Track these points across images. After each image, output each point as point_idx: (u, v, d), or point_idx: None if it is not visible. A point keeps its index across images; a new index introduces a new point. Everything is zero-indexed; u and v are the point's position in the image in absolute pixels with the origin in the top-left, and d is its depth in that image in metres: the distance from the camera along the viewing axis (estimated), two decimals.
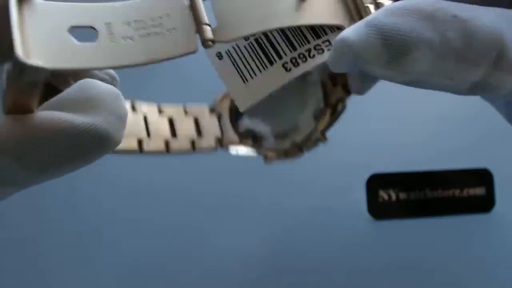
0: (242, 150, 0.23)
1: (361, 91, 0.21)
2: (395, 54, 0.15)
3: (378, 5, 0.17)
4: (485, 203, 0.34)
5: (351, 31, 0.16)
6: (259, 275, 0.30)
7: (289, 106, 0.23)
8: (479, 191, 0.34)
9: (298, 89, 0.23)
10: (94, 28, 0.14)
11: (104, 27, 0.14)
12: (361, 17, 0.17)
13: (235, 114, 0.23)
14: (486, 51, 0.15)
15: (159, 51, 0.14)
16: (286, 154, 0.23)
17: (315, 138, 0.23)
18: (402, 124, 0.38)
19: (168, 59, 0.14)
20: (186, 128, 0.21)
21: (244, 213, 0.33)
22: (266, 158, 0.23)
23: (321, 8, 0.17)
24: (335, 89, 0.23)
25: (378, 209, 0.34)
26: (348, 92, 0.22)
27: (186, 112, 0.22)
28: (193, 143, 0.21)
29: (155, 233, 0.32)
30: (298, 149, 0.23)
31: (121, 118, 0.14)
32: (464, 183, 0.34)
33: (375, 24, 0.15)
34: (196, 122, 0.22)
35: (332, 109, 0.23)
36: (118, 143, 0.14)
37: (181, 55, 0.14)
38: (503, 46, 0.15)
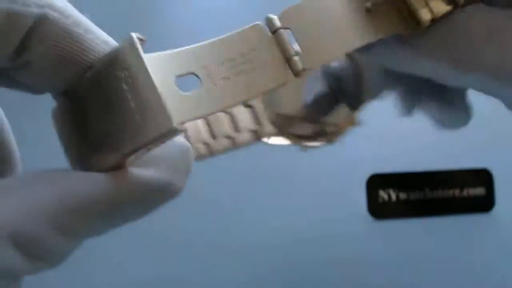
0: (278, 141, 0.23)
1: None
2: None
3: (430, 9, 0.17)
4: (485, 203, 0.34)
5: None
6: (258, 273, 0.30)
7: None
8: (479, 191, 0.34)
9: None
10: (195, 75, 0.14)
11: (204, 72, 0.14)
12: (417, 22, 0.17)
13: (269, 104, 0.23)
14: None
15: (255, 86, 0.14)
16: (327, 139, 0.23)
17: (350, 121, 0.23)
18: (402, 124, 0.38)
19: (265, 92, 0.15)
20: (221, 125, 0.21)
21: (244, 213, 0.33)
22: (302, 146, 0.23)
23: (384, 17, 0.17)
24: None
25: (378, 209, 0.34)
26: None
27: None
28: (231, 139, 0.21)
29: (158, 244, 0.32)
30: (337, 133, 0.23)
31: (187, 171, 0.15)
32: (464, 183, 0.34)
33: None
34: (232, 118, 0.22)
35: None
36: (179, 193, 0.15)
37: (276, 87, 0.15)
38: None
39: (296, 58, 0.15)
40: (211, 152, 0.20)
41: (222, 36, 0.15)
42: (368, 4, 0.17)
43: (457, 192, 0.34)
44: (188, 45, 0.14)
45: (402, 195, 0.34)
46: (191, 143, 0.18)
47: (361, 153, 0.35)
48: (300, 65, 0.15)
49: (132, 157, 0.14)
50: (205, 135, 0.21)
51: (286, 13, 0.16)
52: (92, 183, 0.13)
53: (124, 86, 0.13)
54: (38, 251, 0.12)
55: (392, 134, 0.37)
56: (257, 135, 0.22)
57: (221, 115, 0.21)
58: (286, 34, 0.16)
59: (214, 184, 0.35)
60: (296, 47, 0.16)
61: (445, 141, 0.36)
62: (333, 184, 0.34)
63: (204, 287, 0.30)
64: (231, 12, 0.49)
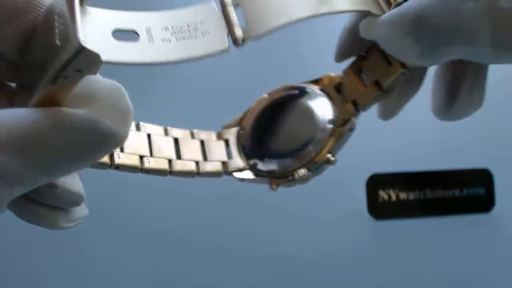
0: (247, 175, 0.23)
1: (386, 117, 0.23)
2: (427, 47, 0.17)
3: None
4: (485, 203, 0.34)
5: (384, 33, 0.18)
6: (258, 273, 0.30)
7: (297, 127, 0.23)
8: (479, 191, 0.34)
9: (306, 110, 0.23)
10: (136, 32, 0.15)
11: (145, 31, 0.15)
12: (388, 2, 0.18)
13: (242, 141, 0.23)
14: None
15: (194, 51, 0.16)
16: (294, 179, 0.23)
17: (323, 159, 0.23)
18: (402, 124, 0.38)
19: (202, 57, 0.16)
20: (191, 149, 0.21)
21: (244, 212, 0.33)
22: (272, 185, 0.23)
23: None
24: (344, 107, 0.22)
25: (378, 209, 0.34)
26: (357, 109, 0.22)
27: (192, 136, 0.22)
28: (197, 164, 0.21)
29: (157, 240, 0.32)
30: (307, 170, 0.23)
31: (125, 112, 0.14)
32: (464, 183, 0.34)
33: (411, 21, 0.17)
34: (202, 145, 0.21)
35: (340, 129, 0.23)
36: (121, 139, 0.14)
37: (214, 54, 0.16)
38: None
39: (236, 28, 0.17)
40: (171, 171, 0.20)
41: (175, 9, 0.16)
42: None
43: (457, 192, 0.34)
44: None
45: (402, 195, 0.34)
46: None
47: (361, 153, 0.35)
48: (239, 34, 0.17)
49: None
50: (167, 152, 0.20)
51: None
52: (14, 117, 0.13)
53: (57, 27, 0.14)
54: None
55: (392, 134, 0.37)
56: (225, 167, 0.22)
57: (194, 141, 0.21)
58: (233, 10, 0.17)
59: (214, 183, 0.34)
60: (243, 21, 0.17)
61: (445, 141, 0.36)
62: (333, 184, 0.34)
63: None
64: None
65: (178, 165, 0.20)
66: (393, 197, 0.34)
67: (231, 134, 0.23)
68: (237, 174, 0.22)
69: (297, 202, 0.34)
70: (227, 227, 0.33)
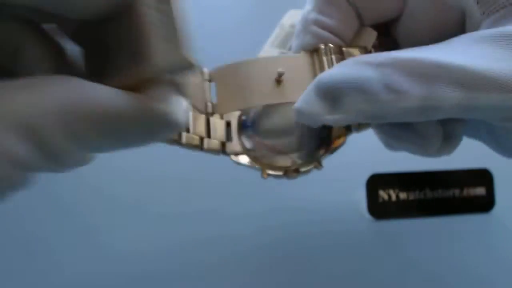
0: (243, 160, 0.24)
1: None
2: (330, 103, 0.19)
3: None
4: (485, 203, 0.34)
5: (300, 100, 0.20)
6: (258, 274, 0.30)
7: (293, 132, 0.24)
8: (479, 191, 0.34)
9: None
10: None
11: None
12: None
13: (243, 125, 0.24)
14: None
15: None
16: (285, 173, 0.25)
17: (313, 163, 0.25)
18: None
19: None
20: (198, 125, 0.22)
21: (244, 212, 0.33)
22: (264, 174, 0.24)
23: (296, 86, 0.21)
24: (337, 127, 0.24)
25: (378, 209, 0.34)
26: (349, 129, 0.24)
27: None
28: (202, 140, 0.22)
29: (153, 222, 0.32)
30: (296, 170, 0.24)
31: (186, 111, 0.16)
32: (464, 183, 0.34)
33: (314, 85, 0.19)
34: (208, 123, 0.22)
35: (334, 140, 0.25)
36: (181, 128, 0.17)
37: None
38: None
39: (208, 104, 0.22)
40: (181, 142, 0.21)
41: None
42: (277, 76, 0.21)
43: (457, 192, 0.34)
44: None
45: (402, 195, 0.34)
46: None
47: (361, 153, 0.35)
48: (210, 110, 0.22)
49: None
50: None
51: (217, 70, 0.22)
52: (106, 96, 0.14)
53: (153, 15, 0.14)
54: (48, 149, 0.13)
55: None
56: (224, 148, 0.23)
57: (202, 116, 0.22)
58: (208, 85, 0.22)
59: (214, 183, 0.35)
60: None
61: None
62: (333, 184, 0.34)
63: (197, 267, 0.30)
64: (227, 7, 0.49)
65: (187, 138, 0.21)
66: (393, 197, 0.34)
67: (234, 117, 0.24)
68: (233, 157, 0.23)
69: (297, 202, 0.34)
70: (220, 222, 0.33)
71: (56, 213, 0.33)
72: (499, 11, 0.18)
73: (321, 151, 0.24)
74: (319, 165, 0.24)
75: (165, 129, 0.15)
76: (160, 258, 0.31)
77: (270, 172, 0.24)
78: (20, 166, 0.13)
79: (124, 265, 0.31)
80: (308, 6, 0.22)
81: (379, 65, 0.18)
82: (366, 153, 0.35)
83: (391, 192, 0.34)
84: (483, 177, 0.34)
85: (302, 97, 0.19)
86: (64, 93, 0.13)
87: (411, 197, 0.34)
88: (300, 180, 0.34)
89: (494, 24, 0.18)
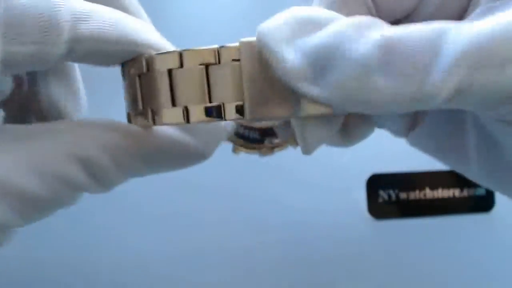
0: None
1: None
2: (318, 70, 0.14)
3: None
4: (485, 203, 0.34)
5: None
6: (258, 275, 0.30)
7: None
8: (479, 191, 0.34)
9: None
10: None
11: None
12: None
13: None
14: None
15: None
16: (258, 150, 0.24)
17: (288, 142, 0.24)
18: None
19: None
20: None
21: (244, 213, 0.33)
22: (235, 149, 0.24)
23: None
24: None
25: (378, 209, 0.34)
26: None
27: None
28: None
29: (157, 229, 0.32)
30: (271, 149, 0.24)
31: (217, 145, 0.19)
32: (464, 183, 0.34)
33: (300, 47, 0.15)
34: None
35: None
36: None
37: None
38: None
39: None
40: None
41: None
42: None
43: (457, 192, 0.34)
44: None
45: (402, 195, 0.34)
46: None
47: (361, 153, 0.35)
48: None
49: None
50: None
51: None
52: (142, 135, 0.17)
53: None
54: (99, 176, 0.16)
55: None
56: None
57: None
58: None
59: (214, 184, 0.35)
60: None
61: None
62: (333, 184, 0.34)
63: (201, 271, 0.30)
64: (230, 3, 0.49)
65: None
66: (393, 197, 0.34)
67: None
68: None
69: (297, 202, 0.34)
70: (221, 223, 0.33)
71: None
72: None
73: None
74: (294, 143, 0.23)
75: (195, 161, 0.18)
76: (160, 259, 0.31)
77: (243, 149, 0.24)
78: (72, 187, 0.16)
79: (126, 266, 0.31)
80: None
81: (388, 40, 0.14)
82: (366, 153, 0.35)
83: (391, 192, 0.34)
84: None
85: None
86: (109, 130, 0.16)
87: (411, 197, 0.34)
88: (300, 180, 0.34)
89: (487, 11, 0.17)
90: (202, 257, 0.31)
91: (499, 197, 0.34)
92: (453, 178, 0.34)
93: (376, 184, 0.34)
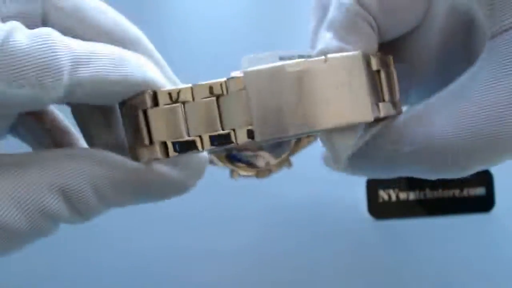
0: (215, 160, 0.24)
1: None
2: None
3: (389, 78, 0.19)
4: (485, 203, 0.34)
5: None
6: (256, 274, 0.30)
7: None
8: (479, 191, 0.34)
9: None
10: None
11: None
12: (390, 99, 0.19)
13: None
14: None
15: None
16: (257, 173, 0.25)
17: (284, 163, 0.25)
18: None
19: None
20: None
21: (243, 212, 0.33)
22: (234, 174, 0.24)
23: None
24: None
25: (378, 209, 0.34)
26: None
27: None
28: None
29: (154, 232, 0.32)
30: (268, 171, 0.25)
31: (201, 175, 0.19)
32: (464, 183, 0.34)
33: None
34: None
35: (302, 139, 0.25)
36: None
37: None
38: None
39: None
40: None
41: None
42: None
43: (457, 192, 0.34)
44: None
45: (402, 195, 0.34)
46: None
47: None
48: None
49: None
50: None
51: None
52: (130, 168, 0.17)
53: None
54: (80, 207, 0.16)
55: None
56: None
57: None
58: None
59: (213, 180, 0.35)
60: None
61: None
62: (333, 184, 0.34)
63: (203, 259, 0.30)
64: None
65: None
66: (393, 197, 0.34)
67: None
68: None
69: (297, 202, 0.34)
70: (222, 222, 0.33)
71: None
72: (508, 31, 0.17)
73: (294, 149, 0.24)
74: (289, 165, 0.24)
75: (176, 193, 0.19)
76: (163, 258, 0.31)
77: (242, 172, 0.24)
78: (53, 219, 0.16)
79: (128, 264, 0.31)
80: (328, 34, 0.20)
81: None
82: None
83: (391, 192, 0.34)
84: (483, 177, 0.34)
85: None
86: (95, 163, 0.16)
87: (411, 197, 0.34)
88: (300, 180, 0.34)
89: (501, 45, 0.17)
90: (199, 253, 0.31)
91: (499, 197, 0.34)
92: (453, 178, 0.34)
93: (376, 184, 0.34)
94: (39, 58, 0.14)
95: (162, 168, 0.18)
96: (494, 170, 0.34)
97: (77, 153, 0.17)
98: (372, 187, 0.34)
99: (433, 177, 0.20)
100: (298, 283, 0.30)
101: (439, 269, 0.31)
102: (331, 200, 0.34)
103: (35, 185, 0.15)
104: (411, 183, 0.34)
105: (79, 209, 0.16)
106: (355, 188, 0.34)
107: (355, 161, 0.20)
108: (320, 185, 0.35)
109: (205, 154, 0.19)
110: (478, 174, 0.34)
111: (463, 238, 0.32)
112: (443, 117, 0.18)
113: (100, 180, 0.16)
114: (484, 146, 0.17)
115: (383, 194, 0.34)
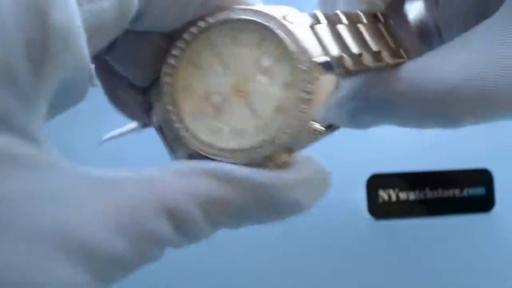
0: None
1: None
2: None
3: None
4: (485, 203, 0.34)
5: None
6: (257, 274, 0.30)
7: None
8: (479, 191, 0.34)
9: None
10: None
11: None
12: None
13: None
14: None
15: None
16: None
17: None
18: None
19: None
20: None
21: None
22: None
23: None
24: None
25: (378, 209, 0.34)
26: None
27: None
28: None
29: None
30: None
31: (322, 195, 0.18)
32: (464, 183, 0.34)
33: None
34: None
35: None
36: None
37: None
38: None
39: None
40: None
41: None
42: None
43: (457, 192, 0.34)
44: None
45: (402, 195, 0.34)
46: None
47: (361, 153, 0.35)
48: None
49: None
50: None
51: None
52: (242, 186, 0.15)
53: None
54: (187, 229, 0.14)
55: (392, 134, 0.37)
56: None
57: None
58: None
59: None
60: None
61: (445, 141, 0.36)
62: (333, 184, 0.34)
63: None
64: None
65: None
66: (393, 197, 0.34)
67: None
68: None
69: None
70: None
71: None
72: None
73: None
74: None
75: (290, 215, 0.17)
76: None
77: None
78: (161, 244, 0.14)
79: None
80: None
81: None
82: (366, 153, 0.35)
83: (391, 192, 0.34)
84: (483, 177, 0.34)
85: None
86: (205, 183, 0.14)
87: (411, 197, 0.34)
88: None
89: None
90: (199, 252, 0.31)
91: (499, 197, 0.34)
92: (453, 178, 0.34)
93: (376, 184, 0.34)
94: None
95: (286, 185, 0.16)
96: (494, 170, 0.34)
97: (187, 168, 0.14)
98: (372, 187, 0.34)
99: (426, 125, 0.19)
100: (298, 283, 0.30)
101: (439, 269, 0.31)
102: (331, 200, 0.34)
103: (140, 207, 0.13)
104: (412, 183, 0.34)
105: (185, 232, 0.14)
106: (355, 188, 0.34)
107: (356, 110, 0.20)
108: None
109: (327, 173, 0.18)
110: (478, 174, 0.34)
111: (463, 238, 0.32)
112: (453, 64, 0.17)
113: (211, 201, 0.14)
114: (486, 98, 0.16)
115: (383, 194, 0.34)
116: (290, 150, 0.16)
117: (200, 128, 0.16)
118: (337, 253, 0.32)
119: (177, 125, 0.16)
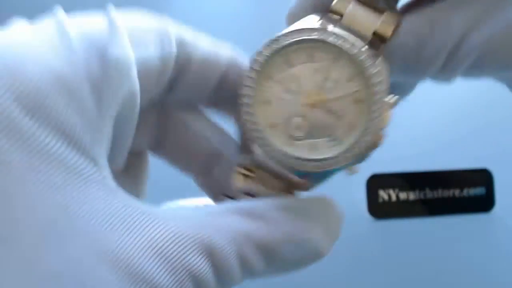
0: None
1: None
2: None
3: None
4: (485, 203, 0.34)
5: None
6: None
7: None
8: (479, 191, 0.34)
9: None
10: None
11: None
12: None
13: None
14: None
15: None
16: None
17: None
18: (403, 124, 0.38)
19: None
20: None
21: None
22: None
23: None
24: None
25: (378, 209, 0.34)
26: None
27: None
28: None
29: None
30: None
31: (336, 237, 0.18)
32: (464, 183, 0.34)
33: None
34: None
35: None
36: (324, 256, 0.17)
37: None
38: None
39: None
40: None
41: None
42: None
43: (457, 192, 0.34)
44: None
45: (402, 195, 0.34)
46: None
47: None
48: None
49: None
50: None
51: None
52: (277, 231, 0.15)
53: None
54: (220, 271, 0.14)
55: (392, 135, 0.37)
56: None
57: None
58: None
59: None
60: None
61: (445, 141, 0.37)
62: (333, 184, 0.34)
63: None
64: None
65: None
66: (393, 197, 0.34)
67: None
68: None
69: None
70: None
71: None
72: None
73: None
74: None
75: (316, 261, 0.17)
76: None
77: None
78: (196, 281, 0.14)
79: None
80: None
81: None
82: None
83: (391, 192, 0.34)
84: (483, 177, 0.34)
85: None
86: (239, 221, 0.15)
87: (411, 197, 0.34)
88: None
89: None
90: None
91: (499, 197, 0.34)
92: (453, 178, 0.34)
93: (376, 184, 0.34)
94: (154, 28, 0.16)
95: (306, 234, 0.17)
96: (494, 170, 0.34)
97: (224, 208, 0.15)
98: (372, 187, 0.34)
99: (419, 75, 0.19)
100: (298, 283, 0.30)
101: (439, 269, 0.31)
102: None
103: (182, 242, 0.13)
104: (412, 183, 0.34)
105: (219, 273, 0.14)
106: (355, 188, 0.34)
107: None
108: (320, 185, 0.34)
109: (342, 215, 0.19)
110: (478, 174, 0.34)
111: (463, 238, 0.32)
112: (460, 15, 0.17)
113: (244, 244, 0.14)
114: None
115: (383, 194, 0.34)
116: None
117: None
118: (337, 253, 0.32)
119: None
